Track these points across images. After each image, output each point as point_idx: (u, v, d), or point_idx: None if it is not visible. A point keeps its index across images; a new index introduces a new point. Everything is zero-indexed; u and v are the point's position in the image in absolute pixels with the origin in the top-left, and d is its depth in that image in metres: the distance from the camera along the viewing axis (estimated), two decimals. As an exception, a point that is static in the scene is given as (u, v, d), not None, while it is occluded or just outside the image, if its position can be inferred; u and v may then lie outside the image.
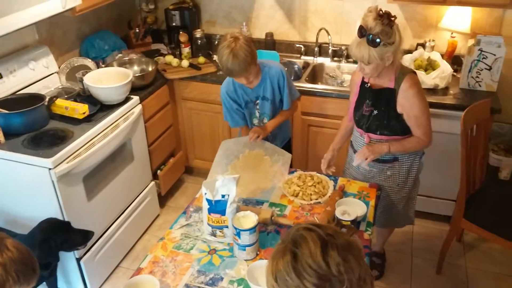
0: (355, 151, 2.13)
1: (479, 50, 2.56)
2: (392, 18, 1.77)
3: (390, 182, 2.14)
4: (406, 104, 1.92)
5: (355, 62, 3.08)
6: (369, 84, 2.02)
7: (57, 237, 2.01)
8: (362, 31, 1.77)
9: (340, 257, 0.93)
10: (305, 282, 0.92)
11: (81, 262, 2.38)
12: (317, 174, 2.08)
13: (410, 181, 2.16)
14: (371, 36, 1.74)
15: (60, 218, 2.21)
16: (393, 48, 1.78)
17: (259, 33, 3.30)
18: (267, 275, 1.01)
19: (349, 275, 0.93)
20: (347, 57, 3.11)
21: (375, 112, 2.00)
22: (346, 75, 3.06)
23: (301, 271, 0.93)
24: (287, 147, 2.47)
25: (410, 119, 1.95)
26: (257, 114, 2.34)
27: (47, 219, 2.07)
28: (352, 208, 1.74)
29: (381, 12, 1.76)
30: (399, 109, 1.94)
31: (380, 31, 1.73)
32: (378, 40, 1.74)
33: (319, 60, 3.17)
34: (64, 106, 2.35)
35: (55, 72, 2.72)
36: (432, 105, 2.54)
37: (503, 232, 2.21)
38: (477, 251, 2.73)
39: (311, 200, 1.94)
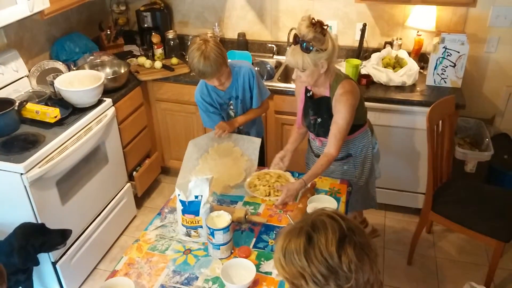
0: (312, 151, 2.29)
1: (443, 47, 2.66)
2: (325, 27, 1.85)
3: (348, 175, 2.23)
4: (335, 109, 1.99)
5: (326, 60, 3.14)
6: (310, 93, 2.10)
7: (35, 241, 2.00)
8: (296, 38, 1.85)
9: (355, 255, 0.92)
10: (312, 267, 0.92)
11: (57, 266, 2.37)
12: (270, 170, 2.14)
13: (365, 172, 2.26)
14: (304, 43, 1.82)
15: (34, 222, 2.20)
16: (326, 54, 1.86)
17: (231, 34, 3.33)
18: (276, 249, 0.99)
19: (358, 275, 0.91)
20: (319, 55, 3.17)
21: (319, 120, 2.10)
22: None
23: (311, 256, 0.92)
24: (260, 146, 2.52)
25: (332, 125, 2.01)
26: (232, 114, 2.38)
27: (21, 225, 2.06)
28: (323, 205, 1.79)
29: (313, 20, 1.84)
30: (333, 113, 2.02)
31: (312, 37, 1.81)
32: (311, 47, 1.82)
33: (292, 59, 3.21)
34: (35, 110, 2.33)
35: (25, 76, 2.68)
36: (400, 102, 2.64)
37: (469, 223, 2.31)
38: (446, 241, 2.84)
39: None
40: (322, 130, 2.11)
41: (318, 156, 2.23)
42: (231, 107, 2.34)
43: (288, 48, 1.90)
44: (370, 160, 2.24)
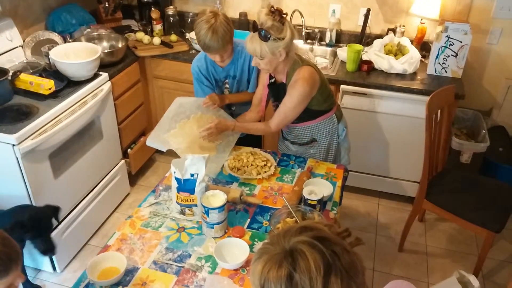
0: (282, 134, 2.31)
1: (446, 36, 2.63)
2: (284, 15, 1.84)
3: (315, 158, 2.22)
4: (288, 92, 1.99)
5: (327, 45, 3.11)
6: (273, 80, 2.10)
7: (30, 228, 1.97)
8: (255, 26, 1.84)
9: (343, 287, 0.85)
10: None
11: (48, 240, 2.34)
12: (241, 151, 2.13)
13: (330, 158, 2.25)
14: (263, 31, 1.81)
15: (26, 195, 2.17)
16: (284, 44, 1.84)
17: (232, 13, 3.27)
18: (253, 274, 0.90)
19: None
20: (320, 39, 3.13)
21: (279, 105, 2.09)
22: (319, 58, 3.09)
23: None
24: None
25: (281, 104, 2.03)
26: (226, 93, 2.33)
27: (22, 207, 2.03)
28: (319, 188, 1.79)
29: (272, 8, 1.82)
30: None
31: (271, 26, 1.80)
32: (268, 35, 1.81)
33: (292, 41, 3.17)
34: (28, 81, 2.28)
35: (20, 46, 2.62)
36: (400, 89, 2.62)
37: (461, 212, 2.32)
38: (437, 230, 2.86)
39: (269, 169, 2.02)
40: None
41: (286, 139, 2.27)
42: (226, 85, 2.30)
43: (247, 37, 1.89)
44: (335, 147, 2.23)
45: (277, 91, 2.09)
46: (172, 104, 2.17)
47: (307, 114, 2.07)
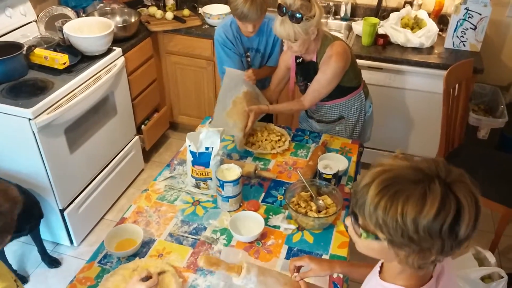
0: (306, 112, 2.27)
1: (465, 8, 2.55)
2: None
3: (340, 135, 2.20)
4: (321, 68, 1.95)
5: (342, 19, 3.04)
6: (301, 59, 2.05)
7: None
8: (283, 9, 1.78)
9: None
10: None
11: (65, 213, 2.39)
12: (256, 124, 2.10)
13: (355, 135, 2.22)
14: (291, 12, 1.75)
15: (43, 170, 2.21)
16: (315, 21, 1.80)
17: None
18: (374, 208, 0.81)
19: None
20: (335, 13, 3.07)
21: (309, 84, 2.05)
22: (333, 32, 3.02)
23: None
24: None
25: (314, 81, 1.99)
26: (246, 66, 2.28)
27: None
28: (334, 163, 1.77)
29: None
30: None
31: (300, 6, 1.75)
32: (299, 15, 1.75)
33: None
34: (43, 55, 2.29)
35: (33, 21, 2.62)
36: (417, 63, 2.57)
37: (480, 190, 2.29)
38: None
39: (283, 144, 2.02)
40: None
41: (311, 117, 2.24)
42: (248, 59, 2.26)
43: (275, 21, 1.83)
44: (361, 124, 2.21)
45: (306, 70, 2.04)
46: (225, 77, 2.10)
47: (338, 91, 2.03)
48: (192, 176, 1.75)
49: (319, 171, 1.74)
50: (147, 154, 3.19)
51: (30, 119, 2.05)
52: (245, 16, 2.00)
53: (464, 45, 2.67)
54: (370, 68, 2.63)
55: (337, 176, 1.77)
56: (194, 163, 1.71)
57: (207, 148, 1.68)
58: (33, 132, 2.08)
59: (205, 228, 1.62)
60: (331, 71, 1.92)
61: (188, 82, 3.14)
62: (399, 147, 2.93)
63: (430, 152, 2.84)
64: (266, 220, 1.64)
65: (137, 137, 2.96)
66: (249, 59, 2.26)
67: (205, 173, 1.71)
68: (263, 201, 1.75)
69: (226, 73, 2.10)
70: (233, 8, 2.00)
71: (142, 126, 3.01)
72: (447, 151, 2.42)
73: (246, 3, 1.94)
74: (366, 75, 2.66)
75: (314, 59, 1.98)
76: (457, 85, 2.34)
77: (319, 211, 1.62)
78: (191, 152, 1.70)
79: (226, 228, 1.61)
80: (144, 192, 1.79)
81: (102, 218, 2.74)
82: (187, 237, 1.58)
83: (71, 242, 2.53)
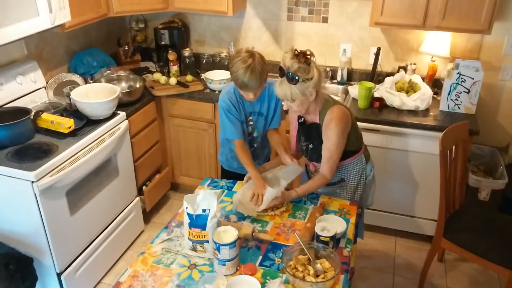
0: (307, 172, 2.29)
1: (458, 73, 2.65)
2: (308, 56, 1.87)
3: (341, 198, 2.19)
4: (325, 135, 2.01)
5: (339, 83, 3.16)
6: (302, 119, 2.12)
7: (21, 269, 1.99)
8: (282, 71, 1.87)
9: None
10: None
11: (62, 277, 2.35)
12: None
13: (356, 198, 2.22)
14: (290, 74, 1.84)
15: (42, 232, 2.21)
16: (312, 83, 1.87)
17: (246, 53, 3.37)
18: None
19: None
20: (332, 78, 3.19)
21: (311, 145, 2.11)
22: (332, 95, 3.12)
23: None
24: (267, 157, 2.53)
25: (323, 150, 2.03)
26: (249, 129, 2.32)
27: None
28: (331, 225, 1.77)
29: (296, 51, 1.86)
30: (323, 139, 2.03)
31: (297, 68, 1.83)
32: (296, 77, 1.84)
33: (305, 80, 3.23)
34: (50, 120, 2.37)
35: (43, 87, 2.74)
36: (413, 125, 2.62)
37: (482, 252, 2.25)
38: (458, 271, 2.76)
39: (281, 205, 2.02)
40: (315, 155, 2.12)
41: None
42: (250, 122, 2.31)
43: (275, 83, 1.94)
44: (362, 187, 2.21)
45: (308, 132, 2.11)
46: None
47: None
48: (189, 238, 1.74)
49: (317, 233, 1.73)
50: (148, 215, 3.19)
51: (32, 182, 2.08)
52: (246, 86, 2.08)
53: (459, 108, 2.74)
54: (367, 130, 2.69)
55: (335, 239, 1.75)
56: (191, 225, 1.71)
57: (204, 210, 1.69)
58: (35, 194, 2.11)
59: (200, 293, 1.59)
60: (334, 135, 1.97)
61: (190, 144, 3.21)
62: (398, 209, 2.91)
63: (431, 213, 2.81)
64: (263, 285, 1.60)
65: (137, 198, 2.97)
66: (251, 123, 2.30)
67: (202, 235, 1.71)
68: (260, 264, 1.72)
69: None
70: (234, 78, 2.09)
71: (144, 187, 3.04)
72: (448, 212, 2.40)
73: (246, 73, 2.03)
74: (363, 137, 2.73)
75: (317, 121, 2.03)
76: (454, 147, 2.38)
77: (317, 276, 1.59)
78: (188, 214, 1.71)
79: (222, 293, 1.57)
80: (140, 255, 1.78)
81: (99, 282, 2.69)
82: (182, 302, 1.55)
83: (66, 307, 2.46)
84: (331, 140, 1.99)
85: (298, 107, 1.95)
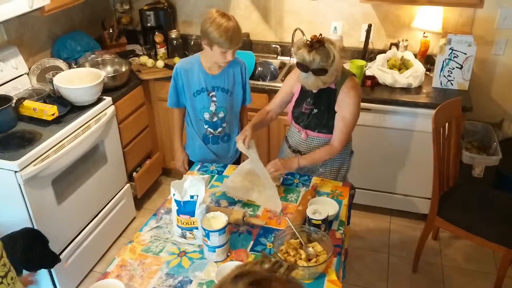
0: (289, 146, 2.19)
1: (450, 49, 2.59)
2: (320, 39, 1.79)
3: (323, 177, 2.13)
4: (343, 103, 1.96)
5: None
6: None
7: (37, 249, 1.94)
8: (304, 68, 1.81)
9: None
10: None
11: (52, 267, 2.31)
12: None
13: (340, 177, 2.19)
14: (316, 69, 1.79)
15: (29, 222, 2.16)
16: (336, 62, 1.82)
17: (235, 34, 3.28)
18: None
19: None
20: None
21: (315, 110, 2.04)
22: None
23: None
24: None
25: (338, 119, 1.99)
26: (213, 107, 2.21)
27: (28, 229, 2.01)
28: (323, 207, 1.73)
29: (308, 42, 1.79)
30: (336, 108, 1.99)
31: (320, 59, 1.78)
32: (323, 68, 1.79)
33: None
34: (32, 107, 2.30)
35: (25, 73, 2.66)
36: (405, 103, 2.58)
37: (476, 229, 2.23)
38: (453, 248, 2.76)
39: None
40: (315, 122, 2.04)
41: (298, 151, 2.14)
42: (213, 98, 2.20)
43: (299, 75, 1.87)
44: (346, 167, 2.20)
45: (319, 96, 2.00)
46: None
47: (332, 127, 2.03)
48: (177, 225, 1.70)
49: (308, 216, 1.69)
50: (139, 202, 3.15)
51: (16, 172, 2.02)
52: (230, 40, 1.97)
53: (451, 84, 2.70)
54: (359, 109, 2.64)
55: (327, 221, 1.71)
56: (179, 212, 1.67)
57: (192, 197, 1.65)
58: (19, 184, 2.06)
59: (190, 281, 1.55)
60: (355, 103, 1.95)
61: (180, 128, 3.14)
62: (391, 188, 2.88)
63: (425, 191, 2.79)
64: (255, 270, 1.57)
65: (128, 184, 2.92)
66: (214, 99, 2.20)
67: (190, 222, 1.67)
68: (251, 249, 1.69)
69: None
70: (215, 37, 1.96)
71: (134, 173, 2.99)
72: (442, 190, 2.38)
73: (229, 27, 1.96)
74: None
75: (333, 86, 1.97)
76: (447, 124, 2.34)
77: (309, 259, 1.56)
78: (175, 201, 1.66)
79: (213, 280, 1.54)
80: (129, 244, 1.74)
81: (91, 270, 2.66)
82: (172, 291, 1.52)
83: (58, 296, 2.43)
84: (349, 108, 1.95)
85: (325, 84, 1.90)
